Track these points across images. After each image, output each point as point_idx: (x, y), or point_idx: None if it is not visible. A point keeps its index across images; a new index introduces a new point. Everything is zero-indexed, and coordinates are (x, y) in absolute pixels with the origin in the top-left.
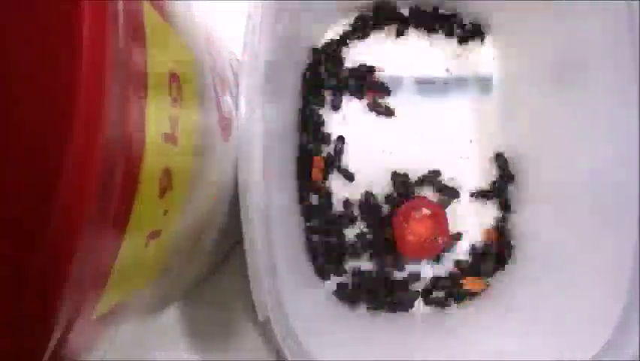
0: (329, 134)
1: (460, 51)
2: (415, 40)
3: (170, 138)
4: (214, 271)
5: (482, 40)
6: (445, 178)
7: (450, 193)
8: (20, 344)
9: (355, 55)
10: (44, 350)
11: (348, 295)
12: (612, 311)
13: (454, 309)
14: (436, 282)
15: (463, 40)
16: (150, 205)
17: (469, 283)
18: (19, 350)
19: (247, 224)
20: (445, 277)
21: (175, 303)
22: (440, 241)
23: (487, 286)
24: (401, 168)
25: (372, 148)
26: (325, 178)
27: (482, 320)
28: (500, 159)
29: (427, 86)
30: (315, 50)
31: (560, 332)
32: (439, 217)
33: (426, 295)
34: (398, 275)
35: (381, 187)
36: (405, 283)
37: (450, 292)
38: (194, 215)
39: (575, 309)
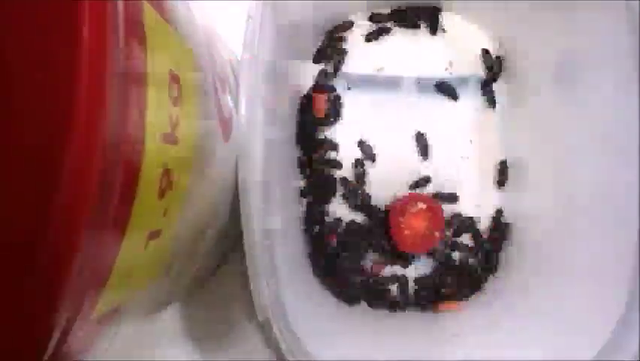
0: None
1: (460, 51)
2: (415, 40)
3: (170, 138)
4: (214, 272)
5: (482, 40)
6: (444, 179)
7: (448, 199)
8: (20, 344)
9: (355, 55)
10: (44, 350)
11: (347, 295)
12: (612, 311)
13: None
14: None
15: (463, 40)
16: (150, 205)
17: (445, 305)
18: (19, 350)
19: (247, 223)
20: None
21: (175, 303)
22: (437, 235)
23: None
24: (401, 168)
25: (372, 148)
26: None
27: (482, 320)
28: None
29: (427, 86)
30: (316, 52)
31: (560, 332)
32: (434, 211)
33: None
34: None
35: (381, 186)
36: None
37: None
38: (194, 215)
39: (575, 309)
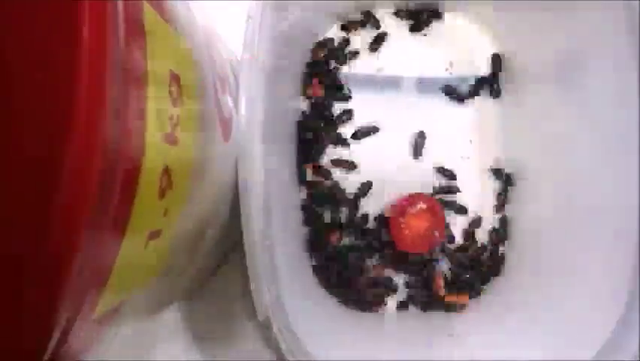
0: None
1: (460, 51)
2: (415, 40)
3: (170, 138)
4: (214, 272)
5: (482, 40)
6: (444, 179)
7: (459, 211)
8: (20, 344)
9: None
10: (44, 350)
11: (347, 295)
12: (612, 311)
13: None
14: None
15: (463, 40)
16: (150, 205)
17: (454, 297)
18: (19, 350)
19: (247, 224)
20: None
21: (175, 303)
22: (437, 235)
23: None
24: (401, 168)
25: (371, 148)
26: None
27: (482, 321)
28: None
29: (427, 86)
30: (314, 50)
31: (560, 332)
32: (435, 210)
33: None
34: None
35: (382, 186)
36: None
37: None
38: (194, 215)
39: (575, 309)
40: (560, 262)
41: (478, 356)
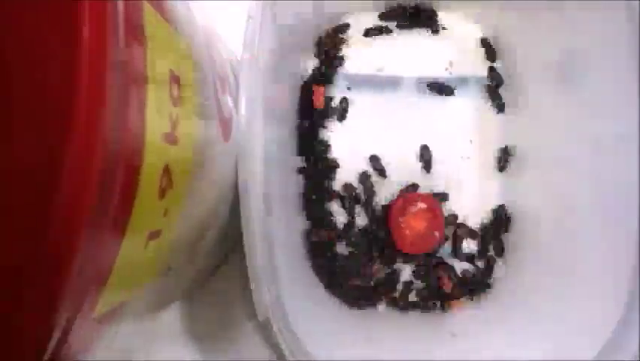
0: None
1: (461, 51)
2: (416, 40)
3: (170, 138)
4: (214, 272)
5: (483, 40)
6: (444, 179)
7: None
8: (20, 344)
9: (356, 54)
10: (44, 350)
11: (347, 294)
12: (612, 311)
13: (454, 309)
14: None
15: (463, 40)
16: (150, 205)
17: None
18: (19, 350)
19: (247, 224)
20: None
21: (175, 303)
22: (437, 235)
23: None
24: (400, 168)
25: (372, 148)
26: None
27: (482, 320)
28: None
29: (427, 86)
30: (315, 49)
31: (560, 332)
32: (434, 211)
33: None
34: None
35: (383, 186)
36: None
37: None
38: (194, 215)
39: (575, 309)
40: (560, 262)
41: (478, 356)
